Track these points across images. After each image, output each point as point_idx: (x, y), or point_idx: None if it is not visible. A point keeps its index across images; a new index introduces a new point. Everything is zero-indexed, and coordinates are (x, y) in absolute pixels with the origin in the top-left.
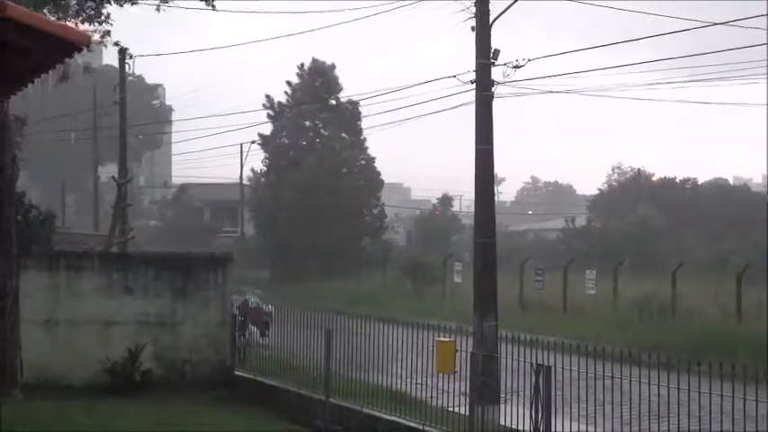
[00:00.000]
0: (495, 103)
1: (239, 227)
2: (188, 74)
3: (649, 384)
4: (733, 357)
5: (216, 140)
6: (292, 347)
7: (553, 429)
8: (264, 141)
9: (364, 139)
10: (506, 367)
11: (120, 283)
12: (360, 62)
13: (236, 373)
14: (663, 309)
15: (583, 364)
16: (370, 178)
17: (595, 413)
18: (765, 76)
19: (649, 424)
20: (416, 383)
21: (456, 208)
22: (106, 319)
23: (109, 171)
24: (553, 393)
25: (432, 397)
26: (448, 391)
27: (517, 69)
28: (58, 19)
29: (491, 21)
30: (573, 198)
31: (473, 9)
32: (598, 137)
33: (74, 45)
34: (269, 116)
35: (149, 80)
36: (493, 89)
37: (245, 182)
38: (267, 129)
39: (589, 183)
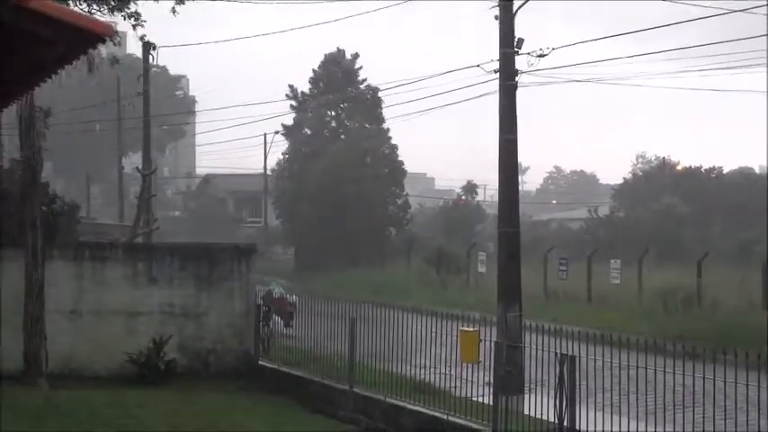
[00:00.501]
0: (519, 93)
1: (263, 217)
2: (212, 65)
3: (674, 374)
4: (758, 347)
5: (239, 131)
6: (316, 337)
7: (578, 419)
8: (288, 131)
9: (387, 128)
10: (530, 357)
11: (145, 274)
12: (384, 52)
13: (260, 363)
14: (688, 298)
15: (607, 353)
16: (393, 168)
17: (620, 403)
18: None
19: (674, 414)
20: (440, 373)
21: (480, 197)
22: (131, 310)
23: (133, 162)
24: (577, 383)
25: (455, 387)
26: (472, 381)
27: (541, 58)
28: (91, 13)
29: (515, 10)
30: (597, 187)
31: None
32: (622, 125)
33: (98, 36)
34: (292, 106)
35: (173, 71)
36: (516, 78)
37: (268, 172)
38: (290, 119)
39: (613, 172)
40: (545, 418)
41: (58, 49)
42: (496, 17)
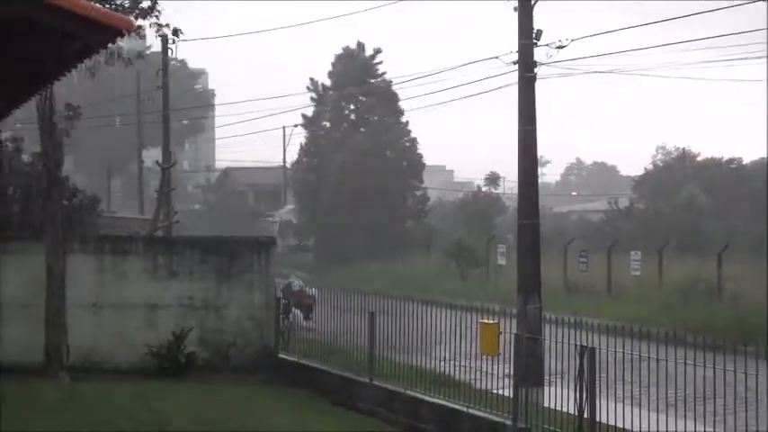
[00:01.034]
0: (540, 85)
1: (283, 210)
2: (231, 59)
3: (695, 366)
4: None
5: (259, 124)
6: (336, 330)
7: (598, 411)
8: (307, 123)
9: (407, 121)
10: (550, 349)
11: (165, 267)
12: (403, 45)
13: (279, 355)
14: (708, 290)
15: (627, 345)
16: (412, 160)
17: (640, 395)
18: None
19: (695, 405)
20: (460, 366)
21: (500, 189)
22: (151, 303)
23: (153, 156)
24: (598, 375)
25: (475, 379)
26: (492, 374)
27: (561, 50)
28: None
29: (533, 1)
30: (617, 179)
31: None
32: (642, 116)
33: (117, 30)
34: (312, 99)
35: (192, 65)
36: (535, 70)
37: (287, 165)
38: (310, 111)
39: (633, 163)
40: (565, 410)
41: (78, 43)
42: (515, 8)
